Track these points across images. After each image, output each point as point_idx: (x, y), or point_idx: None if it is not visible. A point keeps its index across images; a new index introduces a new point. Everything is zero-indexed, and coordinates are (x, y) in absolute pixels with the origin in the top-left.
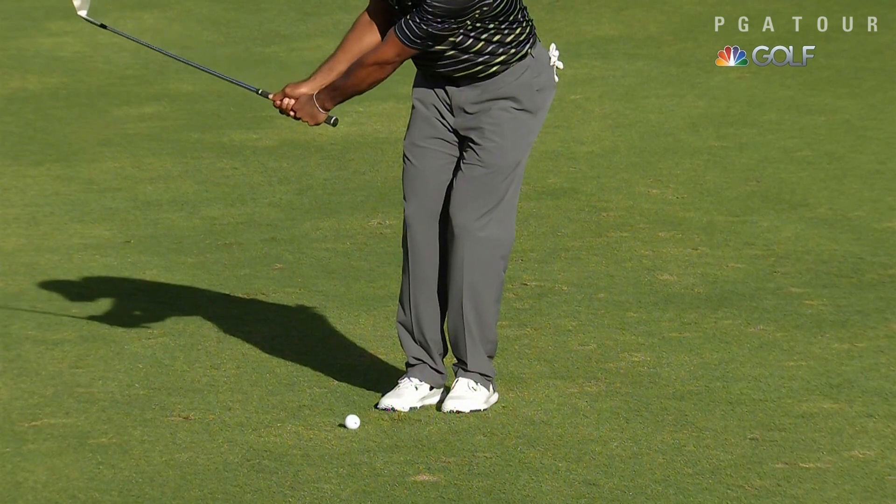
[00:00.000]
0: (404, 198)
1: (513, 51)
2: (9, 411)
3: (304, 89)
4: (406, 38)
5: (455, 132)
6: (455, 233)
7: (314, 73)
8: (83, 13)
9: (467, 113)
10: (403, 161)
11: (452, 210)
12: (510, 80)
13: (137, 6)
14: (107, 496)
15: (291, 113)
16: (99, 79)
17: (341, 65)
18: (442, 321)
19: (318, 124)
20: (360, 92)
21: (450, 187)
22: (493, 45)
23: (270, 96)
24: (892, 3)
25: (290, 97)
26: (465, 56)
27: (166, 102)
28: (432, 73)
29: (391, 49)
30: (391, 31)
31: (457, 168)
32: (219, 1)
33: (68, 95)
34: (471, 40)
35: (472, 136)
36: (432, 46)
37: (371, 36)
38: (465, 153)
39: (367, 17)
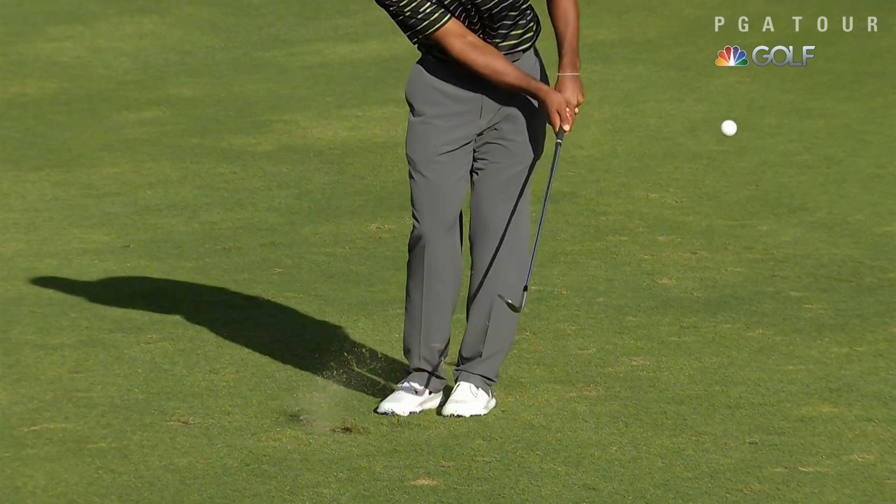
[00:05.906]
0: (416, 210)
1: (536, 26)
2: (8, 416)
3: (555, 93)
4: None
5: (479, 134)
6: (491, 234)
7: (531, 83)
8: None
9: (500, 110)
10: (414, 176)
11: (486, 213)
12: (532, 63)
13: (137, 11)
14: (106, 501)
15: (577, 109)
16: (99, 84)
17: (508, 62)
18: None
19: None
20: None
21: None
22: (529, 16)
23: (566, 130)
24: (892, 6)
25: (562, 105)
26: (514, 24)
27: (166, 107)
28: (469, 72)
29: None
30: None
31: (476, 171)
32: (218, 6)
33: (68, 100)
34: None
35: (504, 130)
36: None
37: (479, 41)
38: (490, 154)
39: (465, 40)
